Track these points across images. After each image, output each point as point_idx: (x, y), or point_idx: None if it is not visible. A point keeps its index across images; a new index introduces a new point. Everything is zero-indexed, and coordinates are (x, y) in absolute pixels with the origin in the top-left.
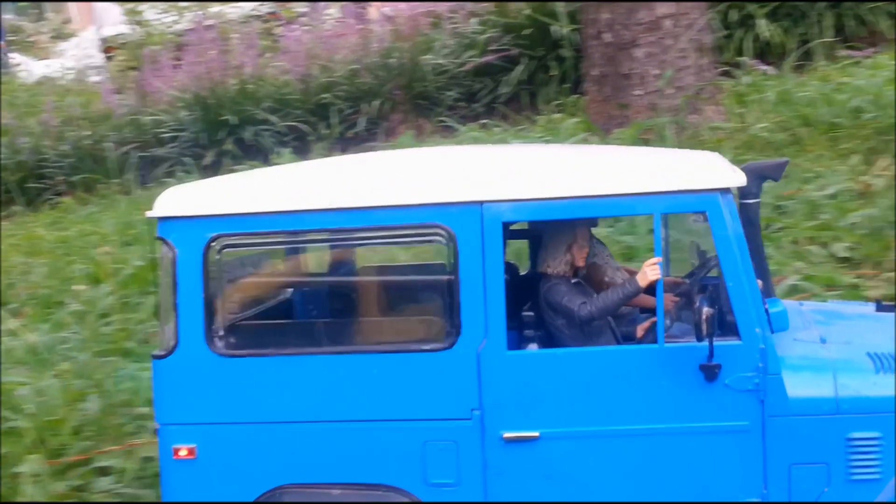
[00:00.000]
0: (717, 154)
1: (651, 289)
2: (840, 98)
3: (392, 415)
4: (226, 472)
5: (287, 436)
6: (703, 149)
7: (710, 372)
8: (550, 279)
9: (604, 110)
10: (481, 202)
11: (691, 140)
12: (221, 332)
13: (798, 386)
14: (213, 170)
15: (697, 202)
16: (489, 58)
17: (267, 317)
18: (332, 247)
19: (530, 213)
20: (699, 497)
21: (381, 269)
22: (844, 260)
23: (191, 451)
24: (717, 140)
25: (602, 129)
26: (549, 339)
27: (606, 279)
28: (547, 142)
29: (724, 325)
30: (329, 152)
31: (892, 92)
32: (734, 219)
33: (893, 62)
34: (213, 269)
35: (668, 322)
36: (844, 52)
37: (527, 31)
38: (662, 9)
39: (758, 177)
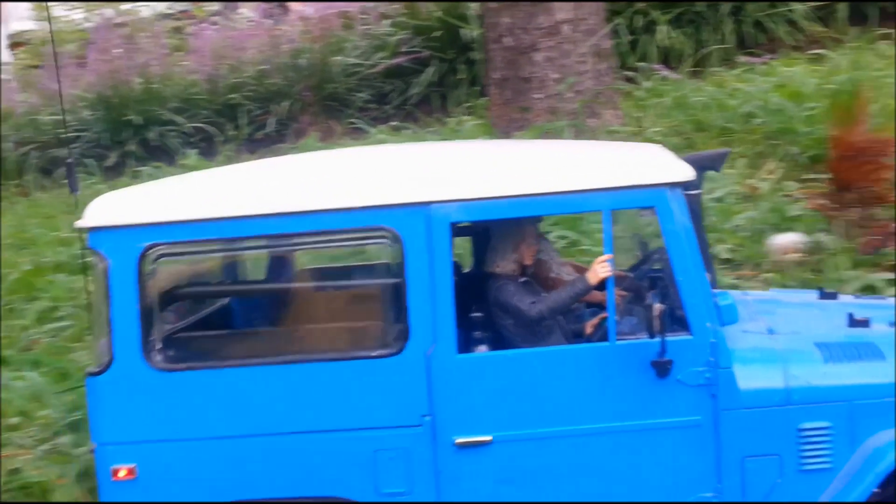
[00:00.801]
0: (661, 147)
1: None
2: (732, 103)
3: (340, 424)
4: (169, 491)
5: (232, 451)
6: None
7: (661, 368)
8: (499, 279)
9: (505, 113)
10: (428, 203)
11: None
12: (159, 346)
13: (749, 379)
14: (115, 171)
15: (646, 197)
16: (400, 59)
17: (206, 328)
18: (273, 252)
19: (478, 213)
20: (654, 494)
21: (326, 274)
22: (726, 261)
23: (130, 471)
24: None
25: (503, 132)
26: (498, 340)
27: (552, 275)
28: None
29: (673, 319)
30: (237, 154)
31: (779, 97)
32: (683, 213)
33: (786, 68)
34: (147, 280)
35: (616, 317)
36: (744, 59)
37: (437, 34)
38: (561, 14)
39: (699, 168)
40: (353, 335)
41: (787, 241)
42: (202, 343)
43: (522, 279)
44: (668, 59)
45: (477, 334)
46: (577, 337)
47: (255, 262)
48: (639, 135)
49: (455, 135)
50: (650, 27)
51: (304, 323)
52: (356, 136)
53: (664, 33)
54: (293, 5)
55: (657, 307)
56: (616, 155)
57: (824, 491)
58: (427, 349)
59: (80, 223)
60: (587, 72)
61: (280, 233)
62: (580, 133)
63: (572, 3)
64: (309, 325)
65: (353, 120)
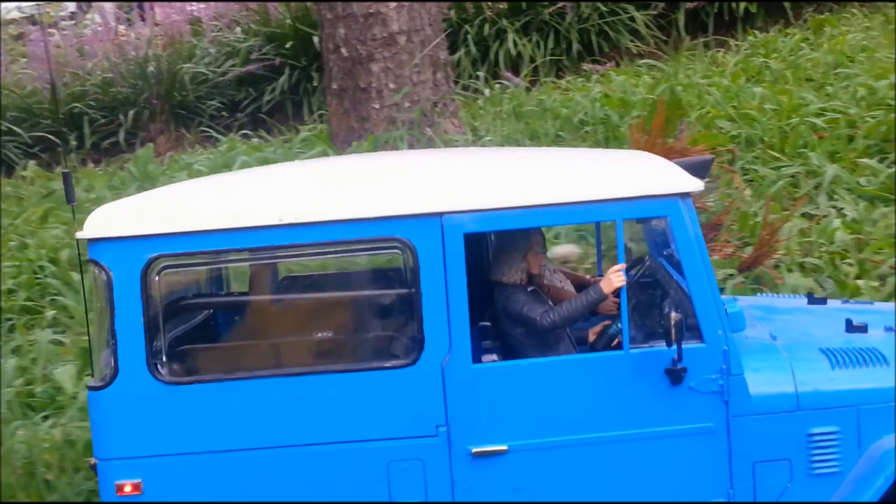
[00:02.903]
0: (653, 155)
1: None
2: (565, 112)
3: (354, 436)
4: None
5: (242, 465)
6: None
7: (675, 376)
8: (507, 288)
9: (344, 123)
10: (441, 213)
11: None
12: (165, 359)
13: (759, 385)
14: None
15: (659, 207)
16: (252, 67)
17: (214, 339)
18: (282, 263)
19: (491, 223)
20: (667, 498)
21: (338, 284)
22: None
23: (136, 487)
24: None
25: (343, 142)
26: (506, 349)
27: (546, 282)
28: (298, 155)
29: (658, 324)
30: (82, 165)
31: (606, 106)
32: (694, 222)
33: (620, 77)
34: (152, 292)
35: (618, 325)
36: (588, 66)
37: (290, 41)
38: (397, 25)
39: None
40: (367, 346)
41: (565, 250)
42: (209, 355)
43: (530, 288)
44: (518, 66)
45: (486, 343)
46: (581, 344)
47: (265, 274)
48: (474, 143)
49: (300, 144)
50: (499, 35)
51: (316, 334)
52: (207, 144)
53: (513, 41)
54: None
55: (675, 316)
56: (624, 165)
57: (833, 495)
58: (442, 359)
59: (81, 234)
60: (425, 81)
61: (293, 243)
62: (417, 143)
63: (408, 14)
64: (321, 336)
65: (204, 129)
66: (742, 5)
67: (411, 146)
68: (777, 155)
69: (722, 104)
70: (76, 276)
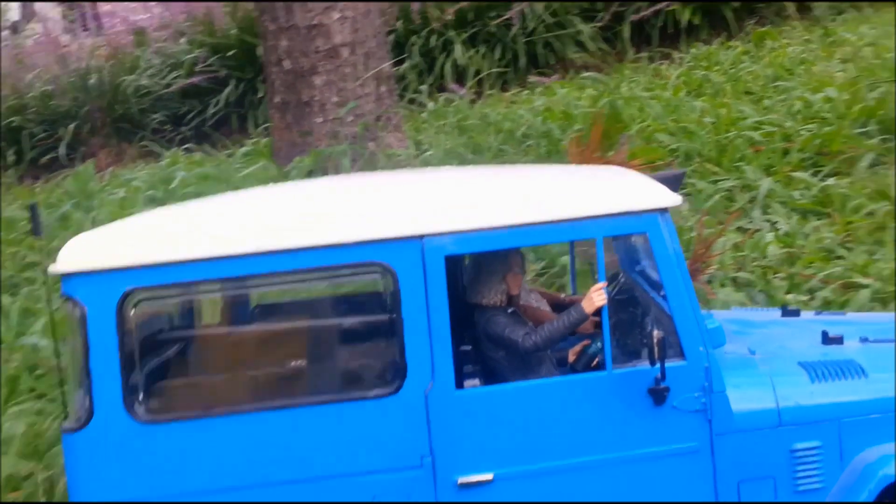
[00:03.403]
0: (626, 170)
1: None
2: (507, 125)
3: (336, 470)
4: None
5: None
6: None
7: (658, 395)
8: (487, 311)
9: (287, 138)
10: (421, 236)
11: (368, 167)
12: (142, 397)
13: (741, 402)
14: None
15: (638, 223)
16: (196, 79)
17: (192, 374)
18: (261, 292)
19: (473, 245)
20: None
21: (316, 312)
22: None
23: None
24: (393, 166)
25: (285, 156)
26: (488, 373)
27: (522, 302)
28: (237, 170)
29: (639, 343)
30: (20, 182)
31: (549, 120)
32: (673, 238)
33: (563, 90)
34: (128, 327)
35: (598, 344)
36: (535, 79)
37: (235, 52)
38: (339, 37)
39: None
40: (348, 375)
41: None
42: (188, 391)
43: (510, 310)
44: (465, 78)
45: (467, 368)
46: (561, 364)
47: (242, 304)
48: (417, 157)
49: (241, 158)
50: (446, 46)
51: (294, 364)
52: (150, 159)
53: (460, 53)
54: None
55: (657, 334)
56: (602, 181)
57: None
58: (426, 387)
59: (53, 268)
60: (368, 95)
61: (272, 271)
62: (360, 157)
63: (351, 26)
64: (300, 367)
65: (146, 143)
66: (686, 18)
67: (354, 161)
68: (714, 168)
69: (662, 117)
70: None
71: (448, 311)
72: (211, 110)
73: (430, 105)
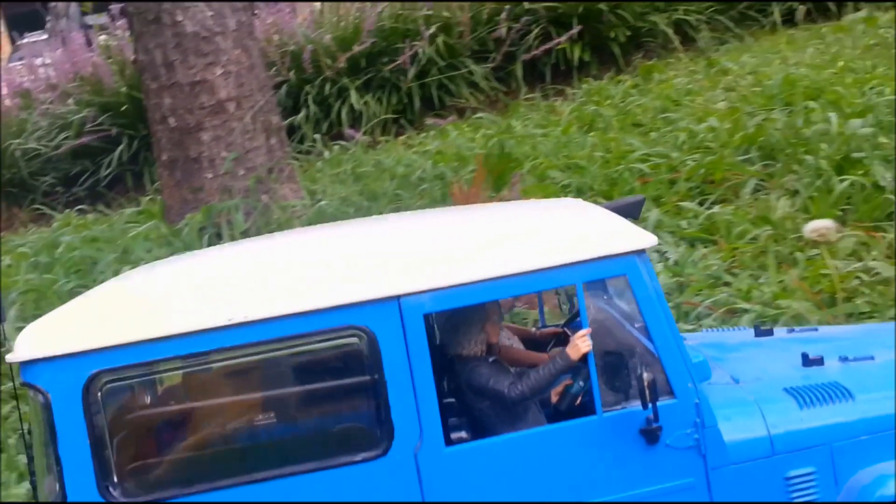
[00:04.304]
0: (588, 204)
1: (539, 345)
2: (402, 170)
3: None
4: None
5: None
6: (275, 227)
7: (651, 435)
8: (468, 362)
9: (178, 195)
10: (398, 296)
11: (263, 220)
12: (116, 479)
13: (733, 433)
14: None
15: (617, 266)
16: (86, 139)
17: (170, 452)
18: (235, 365)
19: (451, 301)
20: None
21: (295, 380)
22: None
23: None
24: (287, 219)
25: (177, 214)
26: (473, 424)
27: (497, 342)
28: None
29: (629, 387)
30: None
31: (441, 162)
32: (652, 277)
33: (454, 132)
34: (96, 410)
35: (580, 383)
36: (431, 121)
37: (125, 110)
38: (224, 92)
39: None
40: (333, 441)
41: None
42: (166, 469)
43: (491, 359)
44: (361, 124)
45: (452, 420)
46: (543, 405)
47: (214, 378)
48: (312, 207)
49: (131, 217)
50: (341, 93)
51: (277, 434)
52: (42, 222)
53: (355, 99)
54: None
55: (647, 376)
56: (574, 224)
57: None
58: (415, 446)
59: (11, 357)
60: (258, 148)
61: (246, 342)
62: (253, 210)
63: (235, 81)
64: (283, 436)
65: (38, 206)
66: (576, 55)
67: (248, 214)
68: (605, 202)
69: (554, 154)
70: None
71: (431, 368)
72: (104, 170)
73: (326, 154)
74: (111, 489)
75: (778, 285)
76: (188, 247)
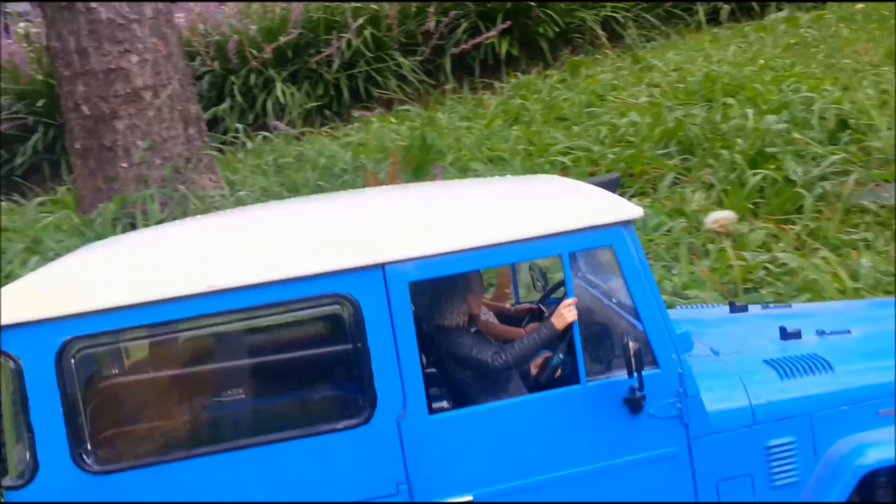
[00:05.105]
0: (568, 180)
1: (514, 321)
2: (324, 162)
3: None
4: None
5: None
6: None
7: (635, 404)
8: (450, 332)
9: (92, 184)
10: (383, 264)
11: (179, 210)
12: (90, 446)
13: (715, 403)
14: None
15: (603, 237)
16: (1, 127)
17: (147, 420)
18: (215, 333)
19: (436, 269)
20: None
21: (275, 347)
22: None
23: None
24: (205, 209)
25: (90, 204)
26: (455, 394)
27: (479, 314)
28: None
29: (610, 357)
30: None
31: (361, 155)
32: (638, 248)
33: (377, 124)
34: (70, 377)
35: (559, 356)
36: (358, 113)
37: (42, 98)
38: (140, 80)
39: None
40: (315, 409)
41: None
42: (143, 437)
43: (473, 329)
44: (287, 116)
45: (433, 391)
46: (523, 378)
47: (193, 343)
48: (230, 198)
49: (42, 207)
50: (268, 84)
51: (257, 402)
52: None
53: (281, 90)
54: None
55: (633, 345)
56: (564, 196)
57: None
58: (398, 414)
59: None
60: (176, 137)
61: (226, 309)
62: (169, 200)
63: (152, 69)
64: (263, 404)
65: None
66: (504, 49)
67: (164, 205)
68: None
69: (477, 147)
70: None
71: (415, 337)
72: (19, 159)
73: (249, 145)
74: (85, 457)
75: (689, 276)
76: (101, 238)
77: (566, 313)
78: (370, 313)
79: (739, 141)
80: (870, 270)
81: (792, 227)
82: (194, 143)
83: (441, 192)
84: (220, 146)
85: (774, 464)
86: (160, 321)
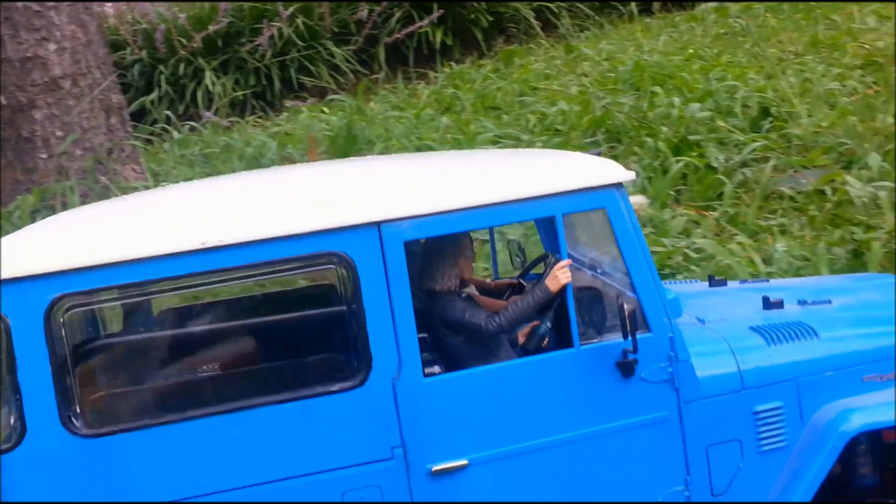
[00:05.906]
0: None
1: (494, 296)
2: (251, 152)
3: (303, 469)
4: None
5: None
6: None
7: (627, 368)
8: (442, 297)
9: (9, 176)
10: (378, 222)
11: (101, 200)
12: (80, 409)
13: (704, 368)
14: None
15: (596, 199)
16: None
17: (138, 382)
18: (208, 292)
19: (431, 229)
20: (630, 493)
21: (268, 307)
22: None
23: None
24: None
25: (8, 196)
26: (447, 359)
27: (470, 278)
28: None
29: (603, 322)
30: None
31: (288, 143)
32: (630, 212)
33: (305, 113)
34: (59, 336)
35: (547, 324)
36: (290, 103)
37: None
38: (59, 69)
39: None
40: (309, 371)
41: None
42: (133, 399)
43: (464, 294)
44: (216, 105)
45: (425, 356)
46: (511, 346)
47: (186, 303)
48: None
49: None
50: (197, 74)
51: (251, 364)
52: None
53: (211, 80)
54: None
55: (628, 307)
56: (553, 160)
57: (783, 468)
58: (393, 376)
59: None
60: (97, 127)
61: (220, 267)
62: (91, 192)
63: (71, 58)
64: (257, 366)
65: None
66: (439, 38)
67: (85, 196)
68: None
69: (406, 136)
70: None
71: (411, 297)
72: None
73: (175, 135)
74: (73, 420)
75: None
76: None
77: (560, 275)
78: (365, 273)
79: (664, 129)
80: (783, 255)
81: (712, 213)
82: (117, 134)
83: (438, 160)
84: (149, 137)
85: (762, 429)
86: (153, 279)
